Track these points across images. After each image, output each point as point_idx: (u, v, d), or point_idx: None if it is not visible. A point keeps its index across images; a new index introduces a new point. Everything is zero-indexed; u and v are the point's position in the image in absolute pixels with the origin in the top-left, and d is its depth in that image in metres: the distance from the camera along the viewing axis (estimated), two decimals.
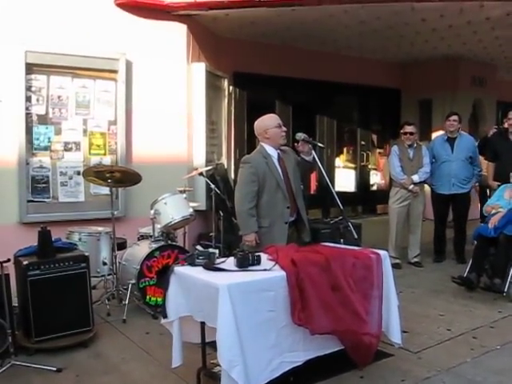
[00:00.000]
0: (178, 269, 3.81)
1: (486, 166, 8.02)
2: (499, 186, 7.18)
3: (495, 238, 6.27)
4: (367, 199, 13.03)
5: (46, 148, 6.92)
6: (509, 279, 6.16)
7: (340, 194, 10.70)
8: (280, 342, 3.61)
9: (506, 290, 6.13)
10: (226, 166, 9.14)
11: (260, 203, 4.76)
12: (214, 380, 3.71)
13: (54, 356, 4.55)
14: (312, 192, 11.62)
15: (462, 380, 4.13)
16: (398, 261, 7.81)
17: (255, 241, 4.68)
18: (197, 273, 3.67)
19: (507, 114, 7.61)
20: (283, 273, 3.62)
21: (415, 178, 7.75)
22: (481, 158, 8.17)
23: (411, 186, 7.71)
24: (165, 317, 3.84)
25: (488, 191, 8.57)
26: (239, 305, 3.34)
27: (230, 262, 3.87)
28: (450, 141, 7.99)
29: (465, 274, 6.45)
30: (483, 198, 9.03)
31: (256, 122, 5.01)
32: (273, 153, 4.88)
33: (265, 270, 3.70)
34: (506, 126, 7.69)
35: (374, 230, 8.85)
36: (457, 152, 7.92)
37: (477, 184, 8.55)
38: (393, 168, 7.95)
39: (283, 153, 4.98)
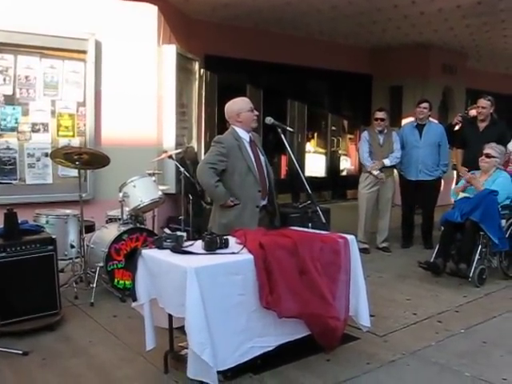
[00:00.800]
0: (146, 252, 3.79)
1: (455, 153, 8.11)
2: (468, 172, 7.27)
3: (462, 223, 6.37)
4: (337, 184, 13.10)
5: (12, 129, 6.80)
6: (474, 264, 6.26)
7: (310, 179, 10.86)
8: (250, 327, 3.62)
9: (471, 275, 6.23)
10: (196, 149, 9.10)
11: (231, 186, 4.72)
12: (181, 362, 3.70)
13: (20, 339, 4.49)
14: (282, 177, 11.65)
15: (426, 363, 4.19)
16: (366, 246, 7.88)
17: (233, 203, 4.68)
18: (164, 256, 3.66)
19: (477, 102, 7.71)
20: (251, 256, 3.63)
21: (386, 161, 7.81)
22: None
23: (376, 172, 7.77)
24: (134, 300, 3.81)
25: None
26: (207, 288, 3.34)
27: (198, 246, 3.85)
28: (419, 127, 8.07)
29: (431, 260, 6.55)
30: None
31: (227, 105, 4.92)
32: (244, 136, 4.82)
33: (233, 253, 3.70)
34: (474, 113, 7.78)
35: (343, 215, 8.91)
36: (425, 139, 8.00)
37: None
38: (361, 154, 8.01)
39: (255, 137, 4.97)
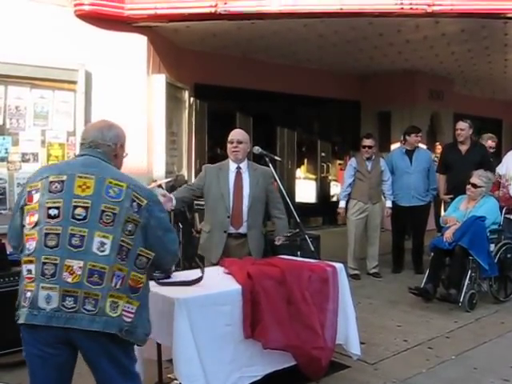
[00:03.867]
0: None
1: (438, 179, 8.18)
2: (451, 199, 7.35)
3: (451, 249, 6.41)
4: (327, 210, 13.09)
5: (2, 159, 6.78)
6: (464, 289, 6.30)
7: (300, 205, 10.89)
8: (238, 357, 3.63)
9: (461, 300, 6.26)
10: (186, 178, 9.11)
11: (206, 208, 5.12)
12: None
13: (10, 371, 4.46)
14: None
15: None
16: (356, 272, 7.91)
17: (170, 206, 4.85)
18: (152, 286, 3.64)
19: (456, 125, 7.84)
20: (239, 287, 3.65)
21: (388, 203, 8.00)
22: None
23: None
24: None
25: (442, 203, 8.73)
26: (196, 319, 3.35)
27: (187, 275, 3.86)
28: (409, 153, 8.17)
29: (422, 285, 6.57)
30: (438, 209, 9.25)
31: None
32: (232, 166, 5.03)
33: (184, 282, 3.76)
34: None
35: (333, 241, 8.91)
36: (415, 164, 8.10)
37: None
38: (343, 184, 8.16)
39: (253, 170, 5.07)
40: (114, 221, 2.66)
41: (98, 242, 2.62)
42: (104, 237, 2.63)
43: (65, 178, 2.73)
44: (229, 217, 4.87)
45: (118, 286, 2.61)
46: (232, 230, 4.90)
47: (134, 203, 2.72)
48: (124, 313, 2.62)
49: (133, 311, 2.66)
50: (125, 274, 2.64)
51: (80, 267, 2.58)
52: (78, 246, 2.61)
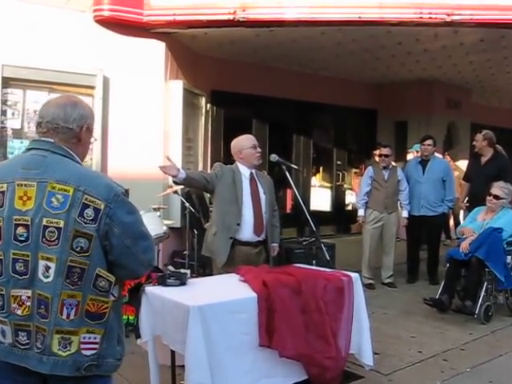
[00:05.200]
0: (149, 289, 3.79)
1: (461, 187, 8.16)
2: (467, 207, 7.34)
3: (467, 260, 6.35)
4: (342, 219, 13.08)
5: None
6: (480, 301, 6.24)
7: (316, 213, 10.86)
8: (257, 367, 3.59)
9: (476, 312, 6.20)
10: None
11: (215, 210, 4.96)
12: None
13: None
14: (287, 211, 11.65)
15: None
16: (371, 281, 7.86)
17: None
18: (167, 293, 3.66)
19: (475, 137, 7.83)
20: (255, 294, 3.63)
21: (405, 213, 8.00)
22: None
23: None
24: (138, 337, 3.81)
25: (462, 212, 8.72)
26: (211, 326, 3.33)
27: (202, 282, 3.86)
28: (423, 163, 8.13)
29: (437, 296, 6.52)
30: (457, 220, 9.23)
31: (232, 142, 5.06)
32: (244, 172, 4.91)
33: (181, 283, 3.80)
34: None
35: (348, 250, 8.89)
36: (428, 174, 8.05)
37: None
38: (359, 193, 8.12)
39: (260, 176, 5.04)
40: (58, 238, 2.17)
41: (42, 267, 2.18)
42: (48, 259, 2.17)
43: (5, 187, 2.25)
44: (238, 224, 4.74)
45: (71, 317, 2.18)
46: (255, 239, 4.81)
47: (88, 210, 2.20)
48: (83, 346, 2.21)
49: (97, 341, 2.25)
50: (79, 300, 2.19)
51: (28, 297, 2.18)
52: (22, 272, 2.18)
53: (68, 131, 2.35)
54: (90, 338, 2.22)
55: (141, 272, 2.45)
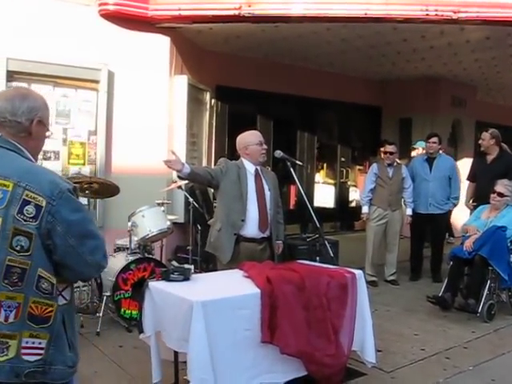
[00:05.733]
0: (153, 284, 3.80)
1: (468, 186, 8.13)
2: (474, 206, 7.30)
3: (470, 258, 6.34)
4: (346, 215, 13.07)
5: None
6: (483, 300, 6.23)
7: (319, 209, 10.86)
8: (259, 363, 3.59)
9: (479, 310, 6.19)
10: None
11: (219, 206, 4.91)
12: None
13: None
14: (291, 207, 11.64)
15: None
16: (374, 278, 7.86)
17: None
18: (171, 288, 3.66)
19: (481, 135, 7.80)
20: (258, 290, 3.62)
21: (409, 211, 8.00)
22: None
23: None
24: (141, 332, 3.82)
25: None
26: (213, 322, 3.33)
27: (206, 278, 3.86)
28: (430, 161, 8.10)
29: (440, 294, 6.51)
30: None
31: (238, 137, 5.04)
32: (249, 168, 4.90)
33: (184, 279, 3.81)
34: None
35: (351, 247, 8.88)
36: (435, 172, 8.02)
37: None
38: (364, 190, 8.10)
39: (265, 173, 5.03)
40: None
41: None
42: None
43: None
44: (243, 220, 4.74)
45: (10, 320, 2.04)
46: (259, 235, 4.80)
47: (29, 206, 2.07)
48: (24, 351, 2.06)
49: (41, 346, 2.10)
50: (19, 302, 2.05)
51: None
52: None
53: (16, 125, 2.22)
54: (33, 342, 2.08)
55: (89, 274, 2.33)
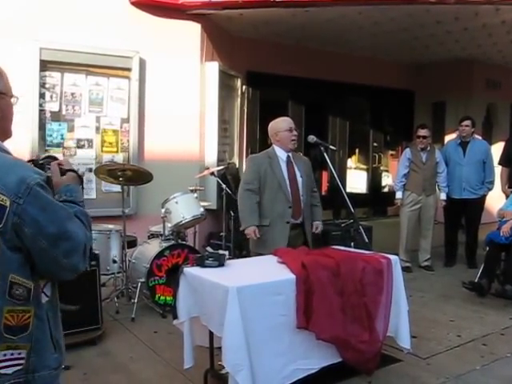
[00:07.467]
0: (188, 270, 3.80)
1: (501, 171, 7.97)
2: None
3: (507, 244, 6.24)
4: (378, 201, 12.97)
5: (58, 145, 6.95)
6: None
7: (351, 195, 10.78)
8: (294, 349, 3.57)
9: None
10: (237, 166, 9.12)
11: (262, 202, 4.86)
12: (222, 382, 3.70)
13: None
14: (323, 193, 11.59)
15: None
16: (408, 264, 7.78)
17: (255, 234, 4.73)
18: (206, 274, 3.66)
19: None
20: (293, 276, 3.60)
21: (443, 196, 7.89)
22: None
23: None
24: (175, 317, 3.83)
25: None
26: (249, 307, 3.32)
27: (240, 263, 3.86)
28: (463, 145, 7.96)
29: (476, 280, 6.42)
30: None
31: (270, 124, 5.07)
32: (281, 154, 4.93)
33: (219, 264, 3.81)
34: None
35: (384, 233, 8.81)
36: (469, 156, 7.88)
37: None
38: (397, 175, 8.01)
39: (297, 159, 5.01)
40: None
41: None
42: None
43: None
44: (290, 207, 4.78)
45: None
46: (292, 221, 4.83)
47: None
48: (2, 364, 1.81)
49: (21, 356, 1.84)
50: None
51: None
52: None
53: None
54: (12, 354, 1.83)
55: (65, 277, 1.95)
